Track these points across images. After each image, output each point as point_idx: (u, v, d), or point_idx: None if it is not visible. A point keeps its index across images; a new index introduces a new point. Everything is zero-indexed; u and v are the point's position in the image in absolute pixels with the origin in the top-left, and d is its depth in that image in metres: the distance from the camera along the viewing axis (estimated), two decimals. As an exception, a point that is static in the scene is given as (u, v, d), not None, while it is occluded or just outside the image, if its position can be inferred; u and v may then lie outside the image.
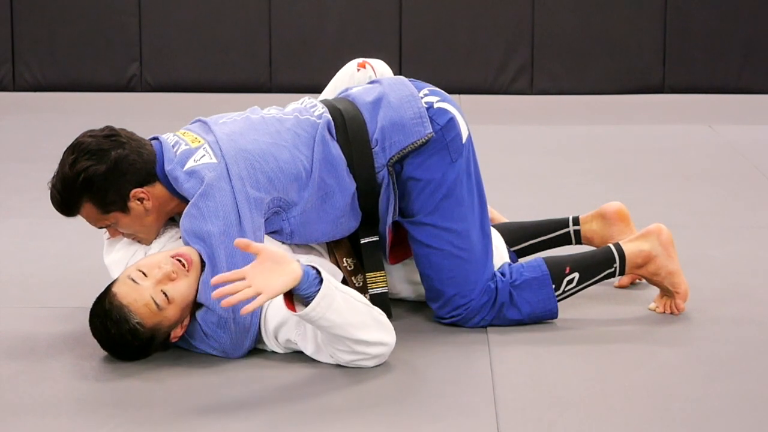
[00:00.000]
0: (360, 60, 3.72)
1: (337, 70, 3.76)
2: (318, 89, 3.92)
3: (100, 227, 3.27)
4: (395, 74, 3.67)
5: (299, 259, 3.22)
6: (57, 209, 3.22)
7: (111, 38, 8.07)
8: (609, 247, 3.47)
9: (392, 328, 3.08)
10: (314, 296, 2.91)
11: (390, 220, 3.31)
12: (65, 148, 3.20)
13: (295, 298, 2.95)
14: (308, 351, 3.09)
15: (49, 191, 3.21)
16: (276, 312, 3.10)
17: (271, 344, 3.16)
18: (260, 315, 3.13)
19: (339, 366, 3.07)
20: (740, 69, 7.99)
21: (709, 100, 7.82)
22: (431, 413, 2.82)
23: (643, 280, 3.67)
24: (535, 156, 6.02)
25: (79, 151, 3.16)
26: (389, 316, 3.39)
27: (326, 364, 3.08)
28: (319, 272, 2.95)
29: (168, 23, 8.07)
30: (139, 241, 3.30)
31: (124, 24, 8.06)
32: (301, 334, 3.09)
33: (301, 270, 2.90)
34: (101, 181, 3.14)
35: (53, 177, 3.19)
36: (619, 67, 8.01)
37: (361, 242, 3.32)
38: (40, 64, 8.09)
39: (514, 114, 7.42)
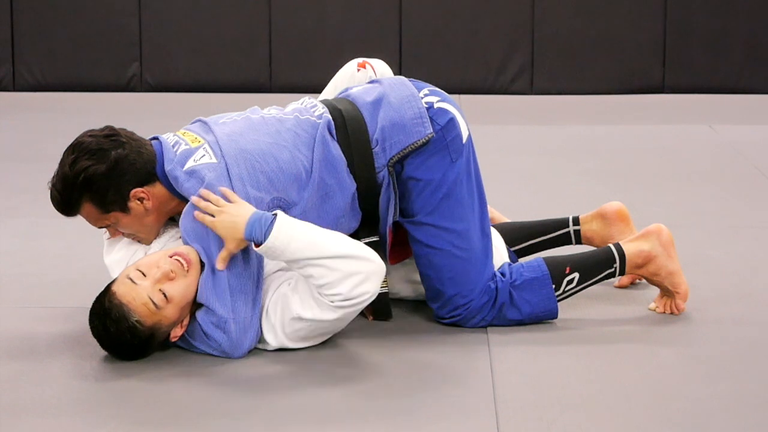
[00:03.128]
0: (360, 60, 3.72)
1: (337, 70, 3.76)
2: (318, 89, 3.92)
3: (101, 227, 3.27)
4: (395, 74, 3.67)
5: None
6: (57, 209, 3.22)
7: (111, 38, 8.08)
8: (609, 247, 3.46)
9: (369, 249, 3.09)
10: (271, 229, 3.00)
11: (390, 220, 3.31)
12: (65, 148, 3.20)
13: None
14: (312, 313, 3.06)
15: (49, 191, 3.21)
16: (275, 300, 3.10)
17: (273, 339, 3.13)
18: (261, 314, 3.13)
19: (338, 366, 3.07)
20: (740, 69, 8.00)
21: (709, 100, 7.82)
22: (431, 413, 2.82)
23: (643, 280, 3.67)
24: (535, 156, 6.02)
25: (79, 150, 3.16)
26: (389, 316, 3.39)
27: (324, 362, 3.08)
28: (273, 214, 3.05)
29: (168, 23, 8.07)
30: (139, 241, 3.30)
31: (124, 24, 8.06)
32: (299, 302, 3.07)
33: (242, 234, 3.03)
34: (101, 180, 3.14)
35: (53, 177, 3.19)
36: (619, 67, 8.01)
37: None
38: (40, 64, 8.09)
39: (514, 114, 7.42)
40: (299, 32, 8.07)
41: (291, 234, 3.01)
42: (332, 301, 3.04)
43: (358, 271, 3.03)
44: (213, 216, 3.06)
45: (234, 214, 3.05)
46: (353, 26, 8.05)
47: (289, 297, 3.10)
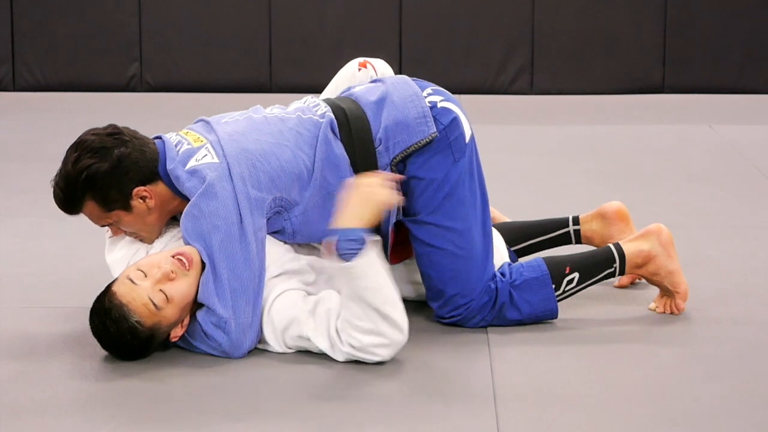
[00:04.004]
0: (361, 59, 3.72)
1: (337, 70, 3.76)
2: (318, 89, 3.92)
3: (103, 225, 3.27)
4: (395, 74, 3.67)
5: (302, 260, 3.23)
6: (59, 207, 3.22)
7: (111, 38, 8.08)
8: (609, 246, 3.46)
9: (406, 320, 3.10)
10: (358, 253, 2.99)
11: (393, 219, 3.31)
12: (69, 146, 3.20)
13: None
14: (322, 346, 3.09)
15: (51, 189, 3.21)
16: (284, 309, 3.11)
17: (274, 344, 3.15)
18: (261, 315, 3.13)
19: (338, 366, 3.07)
20: (740, 69, 8.00)
21: (709, 100, 7.83)
22: (431, 413, 2.82)
23: (643, 280, 3.67)
24: (535, 156, 6.03)
25: (82, 148, 3.16)
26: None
27: (325, 363, 3.08)
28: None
29: (168, 23, 8.07)
30: (141, 240, 3.30)
31: (124, 24, 8.06)
32: (313, 329, 3.08)
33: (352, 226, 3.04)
34: (104, 178, 3.14)
35: (56, 175, 3.19)
36: (619, 67, 8.01)
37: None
38: (40, 64, 8.09)
39: (514, 114, 7.42)
40: (299, 32, 8.07)
41: (366, 271, 3.01)
42: (346, 341, 3.06)
43: (387, 335, 3.05)
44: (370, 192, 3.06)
45: (366, 209, 3.04)
46: (353, 26, 8.05)
47: (303, 318, 3.10)
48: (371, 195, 3.06)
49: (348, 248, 3.01)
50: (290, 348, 3.16)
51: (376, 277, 3.03)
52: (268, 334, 3.14)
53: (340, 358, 3.09)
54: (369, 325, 3.03)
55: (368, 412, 2.84)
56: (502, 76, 8.04)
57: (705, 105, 7.65)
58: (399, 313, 3.06)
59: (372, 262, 3.02)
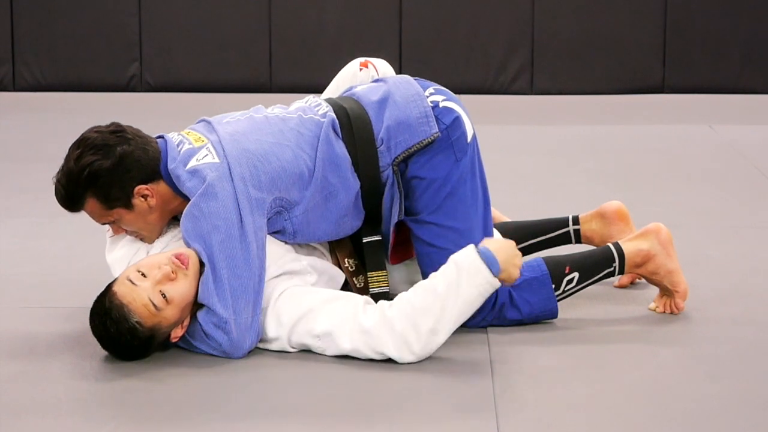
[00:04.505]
0: (362, 59, 3.72)
1: (338, 70, 3.75)
2: (318, 89, 3.92)
3: (103, 223, 3.27)
4: (396, 74, 3.66)
5: (303, 260, 3.23)
6: (61, 204, 3.22)
7: (111, 38, 8.08)
8: (608, 246, 3.46)
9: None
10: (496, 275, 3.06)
11: (395, 219, 3.31)
12: (71, 144, 3.20)
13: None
14: (325, 326, 3.09)
15: (53, 186, 3.21)
16: (294, 304, 3.10)
17: (277, 342, 3.14)
18: (264, 314, 3.13)
19: (338, 366, 3.07)
20: (740, 69, 8.00)
21: (709, 100, 7.82)
22: (431, 413, 2.82)
23: (643, 280, 3.67)
24: (535, 156, 6.03)
25: (84, 146, 3.16)
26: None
27: (325, 363, 3.08)
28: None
29: (168, 23, 8.07)
30: (141, 240, 3.30)
31: (124, 24, 8.06)
32: (328, 312, 3.08)
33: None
34: (106, 176, 3.14)
35: (58, 172, 3.19)
36: (619, 67, 8.01)
37: (364, 241, 3.32)
38: (40, 64, 8.09)
39: (514, 114, 7.42)
40: (299, 32, 8.07)
41: (482, 291, 3.07)
42: (383, 312, 3.06)
43: (422, 344, 3.06)
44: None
45: (508, 260, 3.10)
46: (353, 26, 8.05)
47: (317, 308, 3.10)
48: (514, 261, 3.11)
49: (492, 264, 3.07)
50: (293, 347, 3.15)
51: (476, 302, 3.08)
52: (271, 332, 3.14)
53: (346, 339, 3.07)
54: (424, 323, 3.04)
55: (368, 412, 2.84)
56: (502, 76, 8.04)
57: (705, 105, 7.65)
58: (442, 341, 3.08)
59: (490, 292, 3.08)
